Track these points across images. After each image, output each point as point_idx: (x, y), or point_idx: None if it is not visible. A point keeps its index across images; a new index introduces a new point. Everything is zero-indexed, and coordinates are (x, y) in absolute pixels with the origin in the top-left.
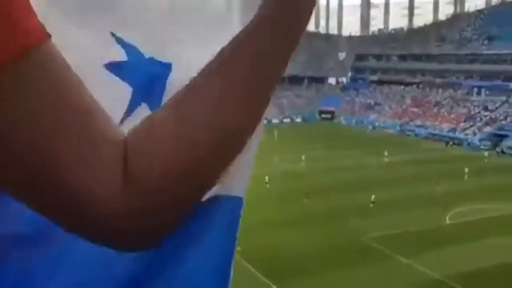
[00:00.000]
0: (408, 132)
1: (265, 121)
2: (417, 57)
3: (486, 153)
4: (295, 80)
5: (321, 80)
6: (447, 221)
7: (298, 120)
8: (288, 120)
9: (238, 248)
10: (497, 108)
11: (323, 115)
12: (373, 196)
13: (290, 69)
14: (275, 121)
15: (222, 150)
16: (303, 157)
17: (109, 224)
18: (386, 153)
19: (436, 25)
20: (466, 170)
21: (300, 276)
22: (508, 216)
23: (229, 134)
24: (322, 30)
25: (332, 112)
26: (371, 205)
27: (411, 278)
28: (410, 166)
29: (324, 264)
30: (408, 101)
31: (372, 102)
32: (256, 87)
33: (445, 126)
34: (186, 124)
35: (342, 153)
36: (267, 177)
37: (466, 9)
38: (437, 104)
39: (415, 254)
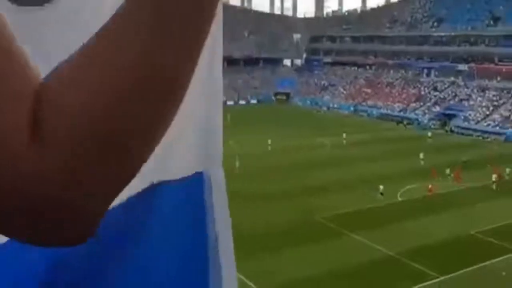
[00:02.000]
0: (361, 113)
1: None
2: (370, 39)
3: (434, 132)
4: (250, 61)
5: (276, 62)
6: (399, 198)
7: (254, 101)
8: (243, 101)
9: None
10: (445, 88)
11: (278, 97)
12: (327, 176)
13: (245, 50)
14: (229, 102)
15: (152, 97)
16: (258, 138)
17: (21, 197)
18: (344, 135)
19: (388, 7)
20: (416, 148)
21: (255, 255)
22: (456, 192)
23: (158, 75)
24: (277, 11)
25: (287, 94)
26: (326, 184)
27: (365, 255)
28: (363, 146)
29: (280, 242)
30: (362, 82)
31: (327, 83)
32: (183, 16)
33: (397, 106)
34: (105, 65)
35: (297, 134)
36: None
37: None
38: (389, 84)
39: (369, 231)
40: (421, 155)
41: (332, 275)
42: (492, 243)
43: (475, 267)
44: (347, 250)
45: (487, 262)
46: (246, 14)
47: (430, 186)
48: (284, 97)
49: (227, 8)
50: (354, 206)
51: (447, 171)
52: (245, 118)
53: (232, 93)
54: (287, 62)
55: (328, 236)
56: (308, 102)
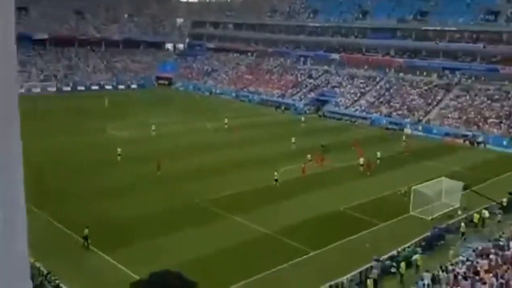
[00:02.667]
0: (242, 98)
1: (96, 87)
2: (252, 27)
3: (309, 117)
4: (130, 44)
5: (158, 45)
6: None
7: (134, 86)
8: (122, 86)
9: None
10: (319, 76)
11: (160, 81)
12: (209, 159)
13: (125, 33)
14: (108, 87)
15: None
16: (138, 123)
17: None
18: (225, 120)
19: None
20: (292, 132)
21: (135, 243)
22: (327, 173)
23: None
24: None
25: (169, 78)
26: (207, 168)
27: (243, 235)
28: (243, 130)
29: (162, 227)
30: (243, 68)
31: (209, 69)
32: None
33: (276, 92)
34: None
35: (178, 119)
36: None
37: None
38: (268, 71)
39: (247, 212)
40: (293, 139)
41: (210, 256)
42: (359, 217)
43: (344, 240)
44: (226, 232)
45: (354, 236)
46: None
47: (303, 166)
48: (166, 82)
49: None
50: (234, 189)
51: (308, 156)
52: (125, 103)
53: (110, 76)
54: (170, 46)
55: (209, 218)
56: (191, 87)
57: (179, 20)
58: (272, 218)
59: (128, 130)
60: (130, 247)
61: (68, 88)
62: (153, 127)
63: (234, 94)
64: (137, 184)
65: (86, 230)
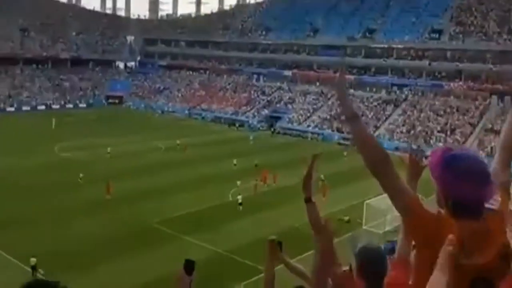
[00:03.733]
0: (195, 116)
1: (43, 107)
2: (204, 44)
3: (262, 133)
4: (79, 62)
5: (108, 64)
6: (230, 198)
7: (83, 105)
8: (71, 105)
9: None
10: (272, 92)
11: (110, 100)
12: (161, 179)
13: (73, 51)
14: (55, 106)
15: None
16: (88, 144)
17: None
18: (178, 140)
19: (222, 14)
20: (245, 149)
21: (89, 268)
22: (280, 190)
23: None
24: (108, 10)
25: (120, 97)
26: (159, 188)
27: (196, 254)
28: (196, 148)
29: (114, 251)
30: (196, 85)
31: (162, 87)
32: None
33: (229, 110)
34: None
35: (130, 139)
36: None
37: (247, 1)
38: (222, 89)
39: (199, 232)
40: (234, 161)
41: (164, 278)
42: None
43: (300, 257)
44: (179, 253)
45: (310, 252)
46: (74, 11)
47: (255, 184)
48: (117, 101)
49: (52, 3)
50: (187, 209)
51: (256, 179)
52: (73, 122)
53: (58, 96)
54: (120, 64)
55: (161, 240)
56: (143, 105)
57: (130, 38)
58: (225, 237)
59: (78, 151)
60: (84, 274)
61: (12, 109)
62: (109, 149)
63: (187, 112)
64: (90, 208)
65: (33, 259)
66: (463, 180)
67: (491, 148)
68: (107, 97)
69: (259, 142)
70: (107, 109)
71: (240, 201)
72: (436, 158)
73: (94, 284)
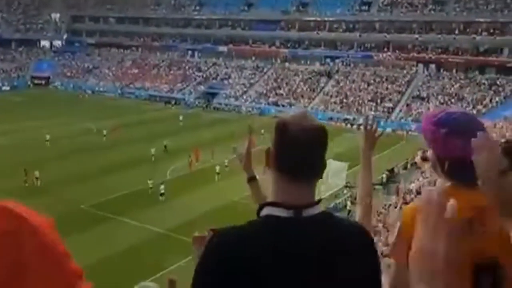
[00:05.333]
0: (128, 95)
1: None
2: (135, 20)
3: (198, 110)
4: (0, 43)
5: (32, 43)
6: (168, 177)
7: (6, 88)
8: None
9: None
10: (208, 68)
11: (36, 81)
12: (94, 162)
13: None
14: None
15: None
16: (12, 128)
17: None
18: (110, 120)
19: None
20: (181, 127)
21: None
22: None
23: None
24: None
25: (46, 78)
26: (92, 171)
27: (135, 235)
28: (129, 128)
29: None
30: (128, 63)
31: (91, 66)
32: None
33: (164, 87)
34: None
35: (59, 121)
36: None
37: None
38: (155, 66)
39: (137, 213)
40: (165, 142)
41: (102, 262)
42: (252, 206)
43: None
44: (117, 234)
45: None
46: None
47: (190, 162)
48: (43, 82)
49: None
50: (121, 190)
51: (189, 156)
52: None
53: None
54: (45, 43)
55: (96, 223)
56: (71, 85)
57: (55, 15)
58: (164, 216)
59: (2, 137)
60: None
61: None
62: (48, 137)
63: (119, 91)
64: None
65: None
66: (458, 135)
67: (418, 113)
68: (33, 78)
69: (194, 119)
70: (33, 91)
71: (162, 191)
72: (428, 120)
73: None
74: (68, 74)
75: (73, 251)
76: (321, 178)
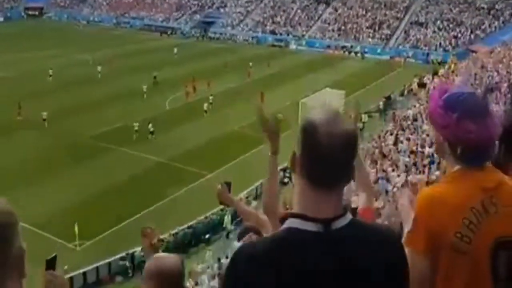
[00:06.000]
0: (123, 25)
1: None
2: None
3: (195, 40)
4: None
5: None
6: (167, 107)
7: (0, 19)
8: None
9: None
10: None
11: (30, 12)
12: (90, 93)
13: None
14: None
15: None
16: (6, 59)
17: None
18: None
19: None
20: (176, 56)
21: (22, 185)
22: (225, 91)
23: None
24: None
25: (40, 8)
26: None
27: (137, 166)
28: (126, 58)
29: (52, 167)
30: None
31: None
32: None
33: (159, 17)
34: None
35: (54, 53)
36: None
37: None
38: None
39: (136, 143)
40: (155, 74)
41: (107, 190)
42: (253, 135)
43: (240, 158)
44: (118, 164)
45: (250, 152)
46: None
47: (186, 93)
48: (37, 13)
49: None
50: (119, 122)
51: (185, 86)
52: None
53: None
54: None
55: (98, 154)
56: (65, 16)
57: None
58: (164, 147)
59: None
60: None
61: None
62: (50, 71)
63: (114, 21)
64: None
65: None
66: (470, 119)
67: (416, 39)
68: (26, 9)
69: (190, 49)
70: (26, 22)
71: (152, 129)
72: (434, 102)
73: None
74: (62, 4)
75: (79, 181)
76: (349, 183)
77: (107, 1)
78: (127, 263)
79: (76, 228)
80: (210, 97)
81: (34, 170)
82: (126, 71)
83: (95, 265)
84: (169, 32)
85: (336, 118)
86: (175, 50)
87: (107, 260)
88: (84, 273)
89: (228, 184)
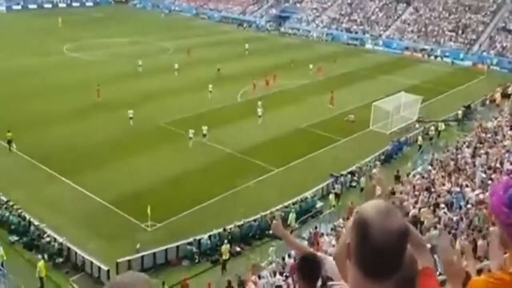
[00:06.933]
0: (202, 16)
1: (49, 5)
2: None
3: (271, 33)
4: None
5: None
6: (238, 100)
7: (89, 4)
8: (77, 3)
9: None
10: None
11: None
12: (168, 81)
13: None
14: (62, 5)
15: None
16: (93, 43)
17: None
18: (187, 40)
19: None
20: (255, 50)
21: (100, 165)
22: (287, 90)
23: None
24: None
25: None
26: (166, 89)
27: (211, 153)
28: (206, 48)
29: (129, 149)
30: None
31: None
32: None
33: (236, 9)
34: None
35: (138, 39)
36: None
37: None
38: None
39: (210, 133)
40: (217, 68)
41: (186, 173)
42: (321, 134)
43: (308, 156)
44: (193, 151)
45: (318, 152)
46: None
47: (254, 87)
48: None
49: None
50: (193, 110)
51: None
52: (80, 21)
53: None
54: None
55: (174, 139)
56: (149, 4)
57: None
58: (235, 139)
59: (76, 51)
60: (99, 172)
61: (19, 7)
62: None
63: (194, 12)
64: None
65: (9, 134)
66: None
67: (502, 47)
68: None
69: (263, 43)
70: (113, 8)
71: (204, 132)
72: (498, 198)
73: (100, 181)
74: None
75: (159, 162)
76: (400, 273)
77: None
78: (194, 249)
79: (149, 210)
80: (275, 93)
81: (111, 151)
82: (211, 60)
83: (164, 247)
84: (245, 25)
85: (388, 212)
86: (247, 46)
87: (175, 244)
88: (154, 254)
89: (282, 218)
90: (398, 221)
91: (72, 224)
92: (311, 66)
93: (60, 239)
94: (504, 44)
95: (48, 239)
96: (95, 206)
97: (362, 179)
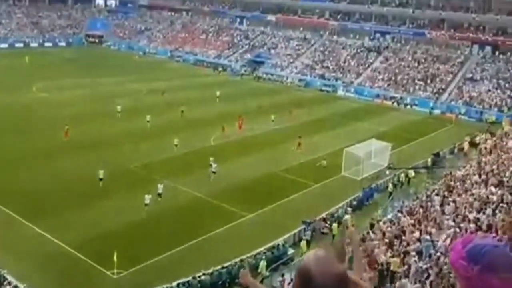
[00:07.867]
0: (177, 58)
1: (21, 45)
2: None
3: (244, 79)
4: None
5: (88, 1)
6: (212, 143)
7: (62, 44)
8: (49, 44)
9: None
10: (256, 37)
11: (90, 39)
12: (140, 124)
13: None
14: (33, 44)
15: None
16: (65, 84)
17: None
18: (160, 82)
19: None
20: (230, 94)
21: (67, 209)
22: (263, 134)
23: None
24: None
25: (100, 36)
26: (138, 133)
27: (177, 199)
28: (181, 91)
29: (91, 195)
30: (178, 27)
31: (143, 27)
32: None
33: (212, 53)
34: None
35: (110, 81)
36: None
37: None
38: (204, 31)
39: (181, 177)
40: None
41: (155, 217)
42: (293, 179)
43: (280, 202)
44: (164, 194)
45: (290, 197)
46: None
47: (223, 130)
48: (97, 40)
49: None
50: (167, 153)
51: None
52: (52, 61)
53: (36, 33)
54: (100, 2)
55: (145, 183)
56: (123, 46)
57: None
58: (206, 182)
59: (46, 90)
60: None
61: None
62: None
63: (169, 54)
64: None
65: None
66: (492, 272)
67: (470, 96)
68: (87, 36)
69: (237, 87)
70: (87, 49)
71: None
72: (457, 252)
73: (57, 225)
74: (121, 34)
75: (120, 209)
76: None
77: (163, 34)
78: None
79: (115, 257)
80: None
81: (77, 194)
82: (186, 102)
83: None
84: (220, 69)
85: (327, 261)
86: (218, 93)
87: None
88: None
89: (253, 266)
90: (337, 268)
91: (35, 270)
92: (282, 111)
93: (21, 287)
94: (472, 94)
95: (8, 287)
96: (58, 251)
97: (334, 225)
